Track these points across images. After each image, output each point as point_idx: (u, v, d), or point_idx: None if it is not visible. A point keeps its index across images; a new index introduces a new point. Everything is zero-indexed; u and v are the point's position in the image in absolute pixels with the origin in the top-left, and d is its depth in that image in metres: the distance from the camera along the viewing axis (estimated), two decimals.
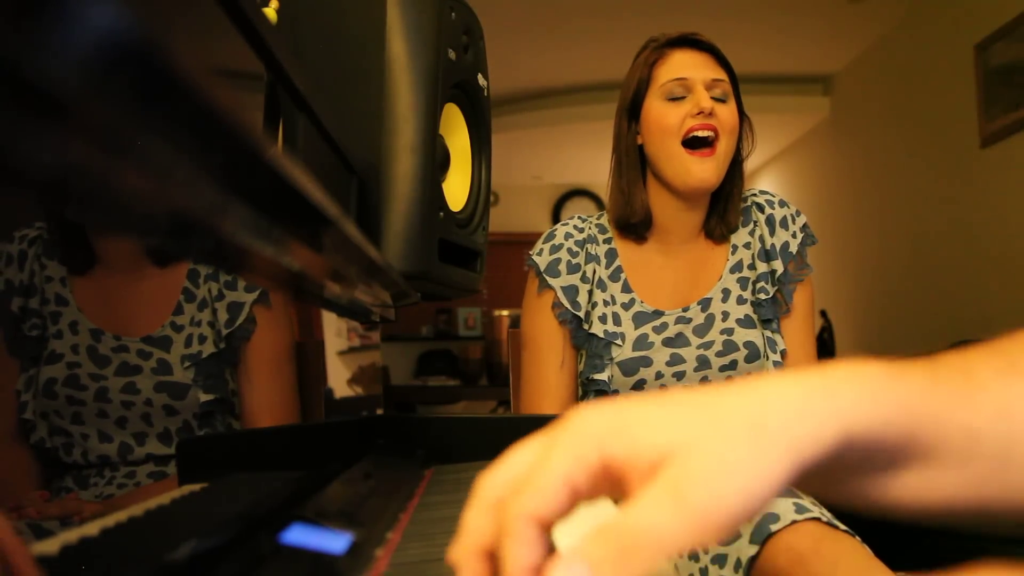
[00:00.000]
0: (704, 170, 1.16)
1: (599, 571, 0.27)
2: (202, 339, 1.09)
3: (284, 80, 0.52)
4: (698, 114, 1.16)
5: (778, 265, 1.20)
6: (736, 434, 0.29)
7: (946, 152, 3.28)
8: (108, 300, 1.08)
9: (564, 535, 0.35)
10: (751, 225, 1.25)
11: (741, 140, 1.25)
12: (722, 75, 1.20)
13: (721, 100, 1.19)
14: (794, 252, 1.22)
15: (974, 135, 3.05)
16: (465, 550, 0.33)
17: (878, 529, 0.88)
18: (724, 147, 1.17)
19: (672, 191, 1.22)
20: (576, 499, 0.32)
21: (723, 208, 1.25)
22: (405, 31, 0.79)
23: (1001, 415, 0.33)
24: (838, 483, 0.34)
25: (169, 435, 1.07)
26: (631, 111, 1.24)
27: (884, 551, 0.97)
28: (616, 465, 0.30)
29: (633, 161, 1.24)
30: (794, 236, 1.22)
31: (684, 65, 1.20)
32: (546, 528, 0.32)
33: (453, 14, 0.84)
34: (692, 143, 1.18)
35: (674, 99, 1.19)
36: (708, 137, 1.17)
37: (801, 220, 1.25)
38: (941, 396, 0.33)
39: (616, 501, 0.34)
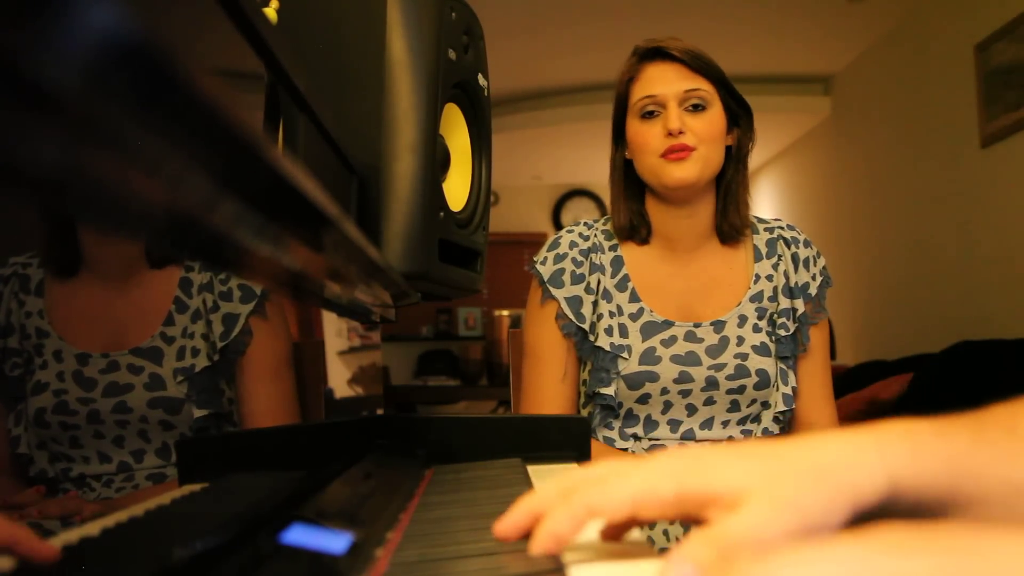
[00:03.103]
0: (681, 168, 1.17)
1: (705, 571, 0.31)
2: (195, 352, 1.06)
3: (284, 80, 0.52)
4: (668, 135, 1.17)
5: (800, 304, 1.22)
6: (803, 476, 0.35)
7: (946, 152, 3.28)
8: (93, 316, 1.06)
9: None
10: (775, 258, 1.26)
11: (741, 137, 1.25)
12: (697, 83, 1.19)
13: (698, 107, 1.18)
14: (813, 294, 1.24)
15: (974, 135, 3.05)
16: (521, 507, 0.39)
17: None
18: (703, 153, 1.18)
19: (662, 198, 1.23)
20: (635, 519, 0.38)
21: (723, 204, 1.24)
22: (405, 31, 0.79)
23: None
24: None
25: (167, 450, 1.06)
26: (616, 132, 1.26)
27: None
28: (692, 497, 0.36)
29: (619, 177, 1.27)
30: (814, 278, 1.25)
31: (655, 81, 1.20)
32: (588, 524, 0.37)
33: (453, 14, 0.84)
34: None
35: (648, 116, 1.19)
36: (683, 155, 1.17)
37: (821, 262, 1.27)
38: (984, 453, 0.37)
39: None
